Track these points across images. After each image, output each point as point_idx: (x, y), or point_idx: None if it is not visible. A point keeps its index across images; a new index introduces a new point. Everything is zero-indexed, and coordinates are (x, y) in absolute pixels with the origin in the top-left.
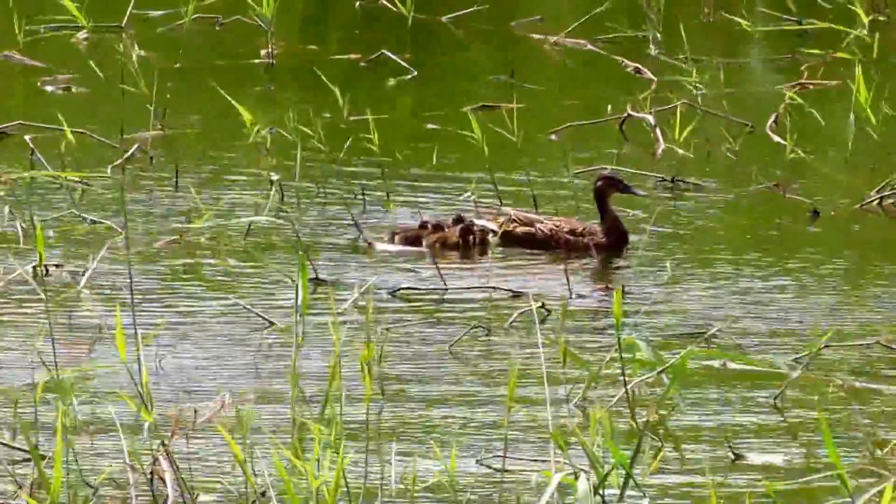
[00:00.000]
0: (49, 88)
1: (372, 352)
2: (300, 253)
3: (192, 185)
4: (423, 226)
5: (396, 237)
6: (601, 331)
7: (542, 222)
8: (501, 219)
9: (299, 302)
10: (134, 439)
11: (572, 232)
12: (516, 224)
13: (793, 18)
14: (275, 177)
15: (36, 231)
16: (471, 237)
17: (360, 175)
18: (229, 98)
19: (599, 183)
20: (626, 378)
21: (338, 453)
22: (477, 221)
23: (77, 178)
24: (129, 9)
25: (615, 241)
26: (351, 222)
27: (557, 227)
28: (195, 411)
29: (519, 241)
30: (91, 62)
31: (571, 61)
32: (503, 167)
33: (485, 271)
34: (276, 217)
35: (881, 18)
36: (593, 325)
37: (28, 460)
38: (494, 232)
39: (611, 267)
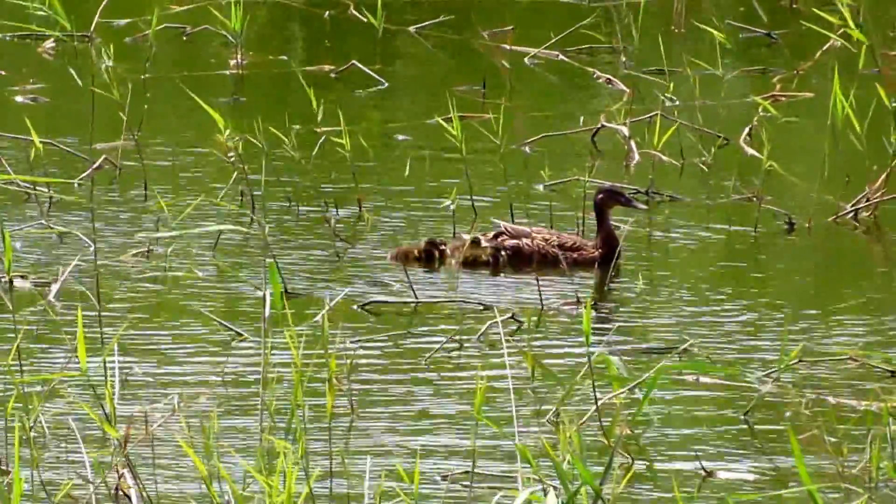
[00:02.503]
0: (18, 98)
1: (333, 365)
2: (270, 263)
3: (161, 196)
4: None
5: (389, 252)
6: (573, 345)
7: (530, 236)
8: (491, 233)
9: (268, 314)
10: (99, 452)
11: (562, 246)
12: (505, 237)
13: (763, 31)
14: (231, 156)
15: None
16: (436, 252)
17: (332, 185)
18: (203, 104)
19: (600, 196)
20: (598, 394)
21: (305, 469)
22: (465, 237)
23: (44, 184)
24: (97, 18)
25: (607, 254)
26: (324, 231)
27: (547, 241)
28: (147, 418)
29: (508, 256)
30: (62, 71)
31: (543, 72)
32: (478, 177)
33: (453, 279)
34: (247, 228)
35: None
36: (565, 339)
37: None
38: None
39: (584, 280)
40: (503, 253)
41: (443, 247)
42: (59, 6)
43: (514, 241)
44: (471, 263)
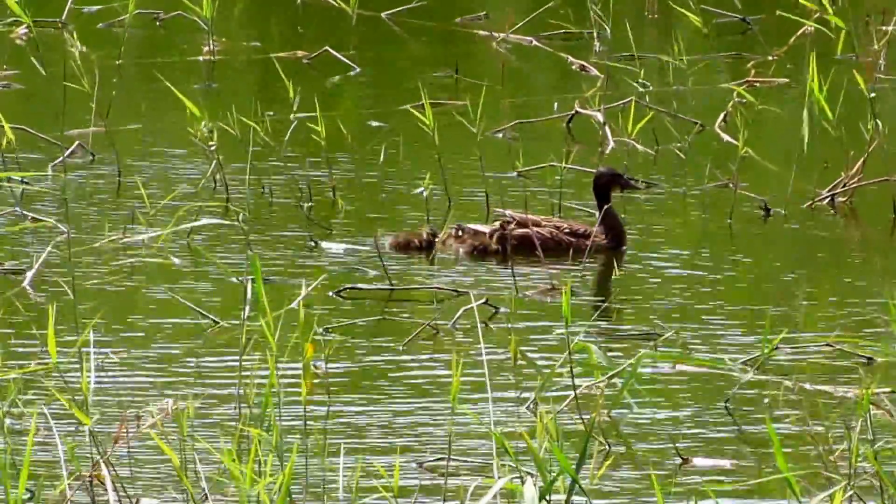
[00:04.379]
0: None
1: (311, 352)
2: (251, 253)
3: (135, 182)
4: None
5: (387, 240)
6: (550, 331)
7: (539, 224)
8: (497, 222)
9: (248, 302)
10: (74, 443)
11: (573, 233)
12: (513, 226)
13: (738, 16)
14: (213, 146)
15: None
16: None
17: (307, 171)
18: (176, 92)
19: (603, 179)
20: (575, 381)
21: (279, 458)
22: (467, 226)
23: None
24: (69, 4)
25: (613, 240)
26: (299, 219)
27: (559, 228)
28: (138, 417)
29: (516, 244)
30: (33, 58)
31: (516, 58)
32: (452, 164)
33: (430, 264)
34: (223, 215)
35: (830, 12)
36: (542, 325)
37: None
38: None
39: (560, 266)
40: (511, 241)
41: (435, 237)
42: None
43: (524, 230)
44: (481, 251)
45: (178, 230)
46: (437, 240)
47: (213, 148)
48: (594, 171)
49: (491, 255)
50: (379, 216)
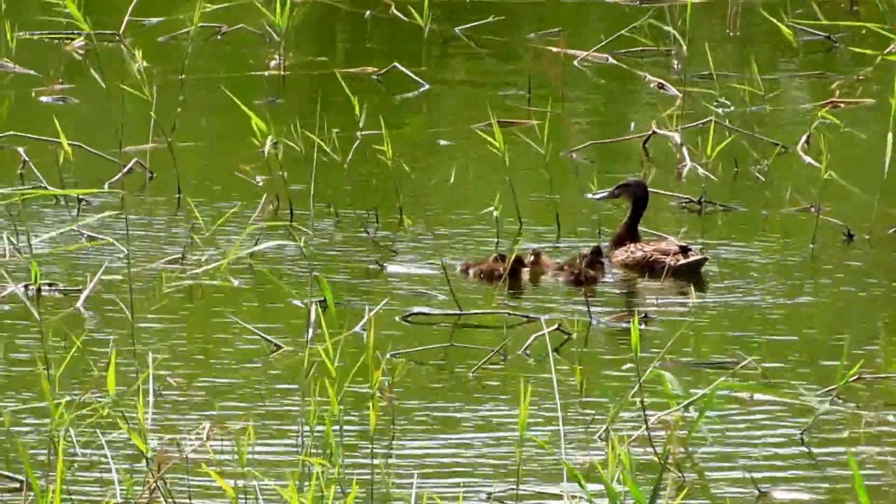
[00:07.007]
0: (43, 99)
1: (378, 379)
2: (317, 276)
3: (194, 202)
4: (497, 259)
5: (471, 270)
6: (622, 359)
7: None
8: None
9: (312, 326)
10: (132, 471)
11: (666, 252)
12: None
13: (823, 34)
14: (260, 182)
15: (30, 249)
16: (521, 268)
17: (372, 192)
18: (243, 107)
19: (638, 190)
20: (648, 411)
21: (341, 489)
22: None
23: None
24: (127, 16)
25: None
26: (363, 240)
27: (657, 249)
28: (180, 443)
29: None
30: (93, 70)
31: (592, 75)
32: (522, 185)
33: (499, 292)
34: (286, 236)
35: None
36: (615, 353)
37: (14, 490)
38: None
39: (635, 292)
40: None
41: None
42: (75, 9)
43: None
44: (580, 281)
45: (240, 253)
46: (524, 267)
47: (261, 184)
48: (672, 193)
49: (590, 281)
50: (448, 239)
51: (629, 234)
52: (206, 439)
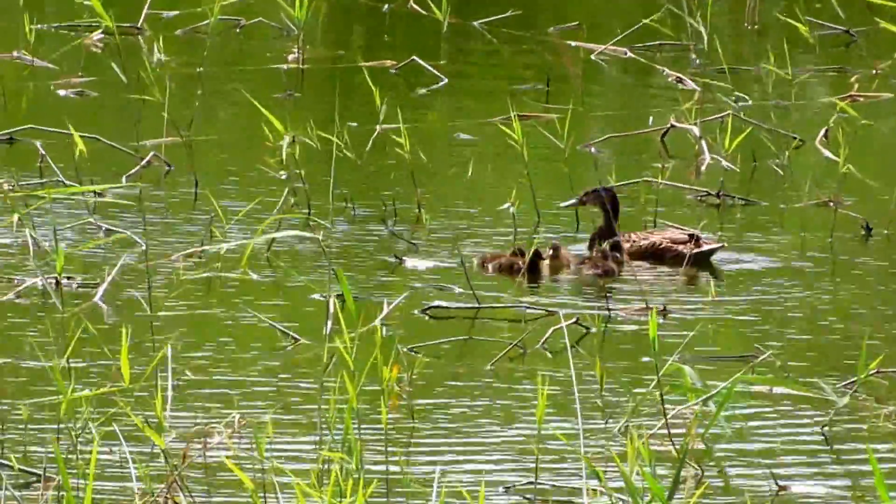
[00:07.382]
0: (61, 92)
1: (395, 373)
2: (336, 269)
3: (211, 195)
4: (515, 253)
5: (489, 263)
6: (641, 352)
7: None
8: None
9: (330, 320)
10: (148, 464)
11: (677, 241)
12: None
13: (841, 28)
14: (284, 176)
15: (53, 242)
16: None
17: (390, 186)
18: (258, 105)
19: (606, 195)
20: (667, 405)
21: (360, 482)
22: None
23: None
24: (145, 9)
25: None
26: (382, 235)
27: (674, 240)
28: (205, 437)
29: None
30: (113, 64)
31: (611, 69)
32: (540, 179)
33: (518, 282)
34: (304, 229)
35: None
36: (633, 346)
37: (30, 484)
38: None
39: (652, 285)
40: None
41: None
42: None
43: (649, 240)
44: (609, 273)
45: (258, 243)
46: (543, 260)
47: (284, 177)
48: (691, 187)
49: (611, 275)
50: (466, 232)
51: (609, 234)
52: (234, 431)
